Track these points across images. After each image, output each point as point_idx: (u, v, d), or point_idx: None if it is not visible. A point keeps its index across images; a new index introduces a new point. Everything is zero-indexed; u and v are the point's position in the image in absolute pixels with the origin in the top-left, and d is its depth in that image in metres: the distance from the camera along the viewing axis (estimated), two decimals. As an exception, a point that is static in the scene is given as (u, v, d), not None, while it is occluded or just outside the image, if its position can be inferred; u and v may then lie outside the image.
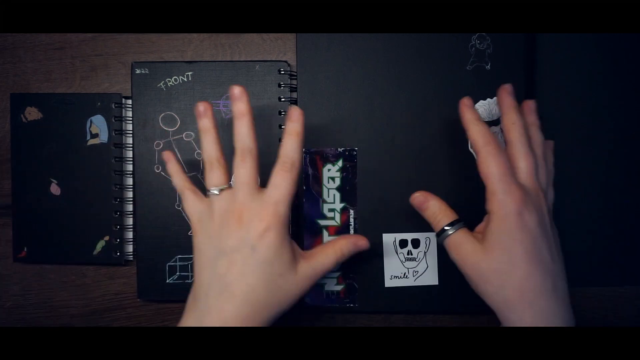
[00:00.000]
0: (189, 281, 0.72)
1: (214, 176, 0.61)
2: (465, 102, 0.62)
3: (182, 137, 0.72)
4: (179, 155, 0.72)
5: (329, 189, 0.72)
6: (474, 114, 0.61)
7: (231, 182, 0.61)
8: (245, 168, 0.60)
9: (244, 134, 0.60)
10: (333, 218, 0.72)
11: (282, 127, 0.71)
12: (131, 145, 0.73)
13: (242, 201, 0.59)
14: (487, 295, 0.59)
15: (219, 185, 0.61)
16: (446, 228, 0.62)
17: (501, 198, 0.58)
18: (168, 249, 0.72)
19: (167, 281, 0.72)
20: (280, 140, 0.71)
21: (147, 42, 0.75)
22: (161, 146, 0.72)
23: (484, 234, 0.60)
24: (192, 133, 0.72)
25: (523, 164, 0.60)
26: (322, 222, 0.72)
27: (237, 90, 0.60)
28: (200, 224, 0.62)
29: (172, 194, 0.72)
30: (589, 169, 0.70)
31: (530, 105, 0.65)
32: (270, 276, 0.58)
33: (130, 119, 0.73)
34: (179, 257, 0.72)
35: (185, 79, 0.72)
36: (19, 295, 0.76)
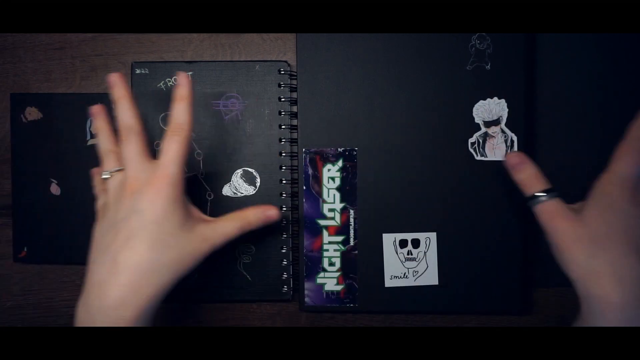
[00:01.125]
0: (189, 281, 0.72)
1: (107, 163, 0.63)
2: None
3: (182, 137, 0.72)
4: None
5: (329, 189, 0.72)
6: None
7: None
8: (130, 144, 0.60)
9: (124, 114, 0.61)
10: (333, 218, 0.72)
11: (282, 127, 0.72)
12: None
13: (132, 174, 0.59)
14: (574, 262, 0.57)
15: (110, 169, 0.62)
16: (538, 194, 0.61)
17: (613, 177, 0.59)
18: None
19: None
20: (280, 140, 0.71)
21: (147, 42, 0.75)
22: (161, 146, 0.72)
23: (583, 206, 0.60)
24: (192, 134, 0.71)
25: None
26: (322, 222, 0.72)
27: (112, 77, 0.63)
28: (102, 208, 0.63)
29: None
30: (588, 168, 0.70)
31: None
32: (158, 235, 0.56)
33: None
34: (179, 257, 0.72)
35: (186, 79, 0.71)
36: (19, 295, 0.76)
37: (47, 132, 0.73)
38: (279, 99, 0.72)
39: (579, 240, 0.57)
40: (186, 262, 0.57)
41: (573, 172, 0.72)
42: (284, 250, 0.72)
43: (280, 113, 0.72)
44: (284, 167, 0.72)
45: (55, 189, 0.73)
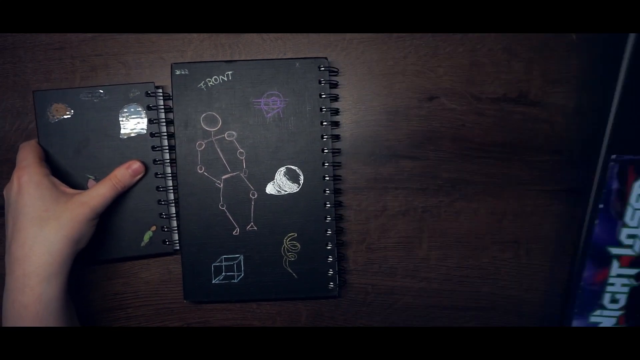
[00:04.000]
0: (235, 281, 0.73)
1: None
2: None
3: (224, 136, 0.71)
4: (221, 155, 0.72)
5: (635, 209, 0.60)
6: None
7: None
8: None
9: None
10: (631, 247, 0.62)
11: (324, 123, 0.73)
12: (166, 134, 0.73)
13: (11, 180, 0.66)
14: None
15: None
16: None
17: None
18: (213, 249, 0.72)
19: (213, 282, 0.72)
20: (322, 137, 0.73)
21: (147, 42, 0.74)
22: (203, 146, 0.71)
23: None
24: (234, 132, 0.71)
25: None
26: (615, 251, 0.62)
27: None
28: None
29: (215, 195, 0.72)
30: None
31: None
32: (34, 214, 0.63)
33: (163, 107, 0.73)
34: (224, 257, 0.72)
35: (226, 79, 0.71)
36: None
37: (78, 128, 0.72)
38: (320, 95, 0.72)
39: None
40: (70, 226, 0.64)
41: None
42: (329, 247, 0.73)
43: (321, 110, 0.73)
44: (326, 164, 0.73)
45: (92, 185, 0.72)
